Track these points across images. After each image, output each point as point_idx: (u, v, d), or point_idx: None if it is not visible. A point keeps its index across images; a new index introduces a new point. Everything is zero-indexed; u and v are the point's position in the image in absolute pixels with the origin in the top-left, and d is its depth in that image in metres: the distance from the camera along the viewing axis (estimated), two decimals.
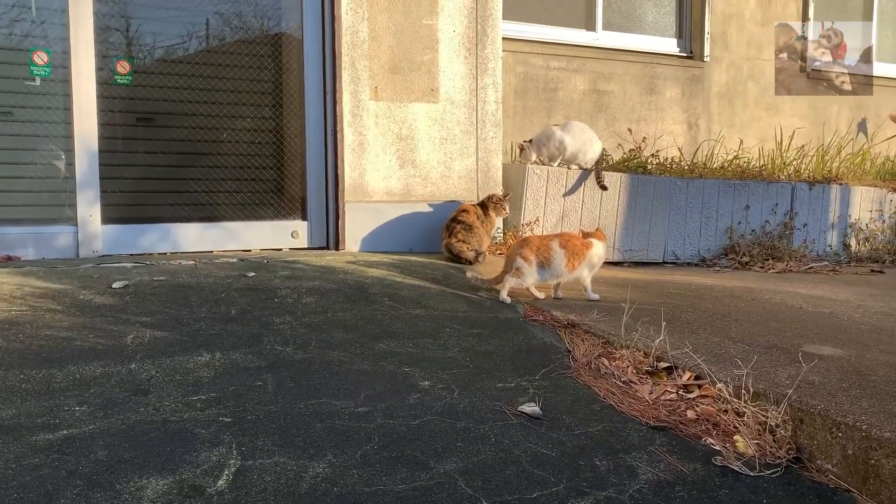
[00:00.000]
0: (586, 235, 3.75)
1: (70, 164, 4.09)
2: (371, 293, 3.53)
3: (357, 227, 4.63)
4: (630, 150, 5.84)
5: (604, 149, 5.15)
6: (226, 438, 2.05)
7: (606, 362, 2.77)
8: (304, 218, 4.67)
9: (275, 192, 4.70)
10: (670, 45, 6.78)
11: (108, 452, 1.94)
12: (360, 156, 4.61)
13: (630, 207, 5.24)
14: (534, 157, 5.07)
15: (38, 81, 4.04)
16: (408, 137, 4.74)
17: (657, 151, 5.83)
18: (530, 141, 5.11)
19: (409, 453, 2.04)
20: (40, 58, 4.01)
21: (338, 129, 4.52)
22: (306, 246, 4.66)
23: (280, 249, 4.58)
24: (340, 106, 4.52)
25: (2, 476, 1.79)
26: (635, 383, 2.61)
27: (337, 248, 4.59)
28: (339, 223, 4.58)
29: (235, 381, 2.44)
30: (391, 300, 3.45)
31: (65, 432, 2.04)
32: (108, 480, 1.80)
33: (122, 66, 4.23)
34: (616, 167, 5.50)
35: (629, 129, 6.13)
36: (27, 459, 1.88)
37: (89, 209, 4.09)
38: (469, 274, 3.88)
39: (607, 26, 6.44)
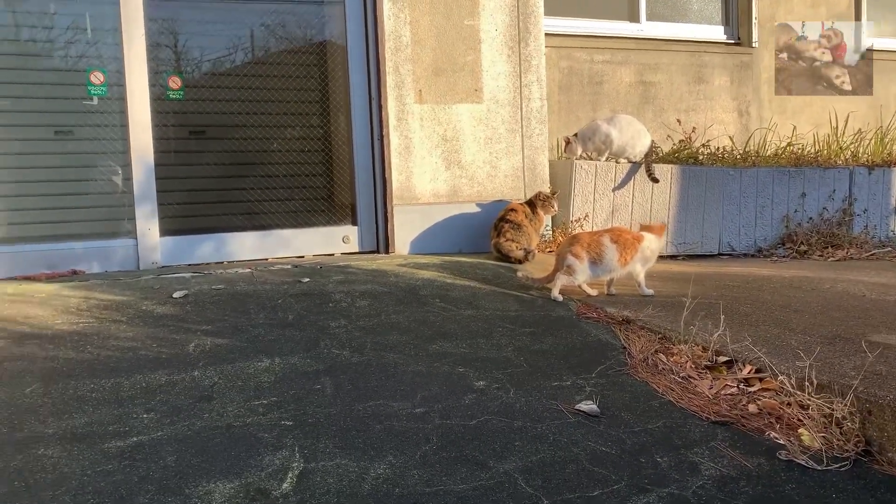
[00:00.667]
0: (644, 228, 3.72)
1: (128, 179, 4.22)
2: (422, 295, 3.55)
3: (406, 230, 4.66)
4: (680, 141, 5.75)
5: (652, 141, 5.08)
6: (288, 441, 2.09)
7: (664, 358, 2.74)
8: (354, 223, 4.73)
9: (325, 199, 4.77)
10: (717, 33, 6.65)
11: (176, 458, 2.00)
12: (407, 159, 4.64)
13: (682, 199, 5.16)
14: (579, 152, 5.03)
15: (95, 101, 4.18)
16: (453, 139, 4.75)
17: (708, 141, 5.72)
18: (575, 135, 5.08)
19: (467, 453, 2.05)
20: (97, 77, 4.15)
21: (384, 133, 4.56)
22: (357, 250, 4.72)
23: (332, 254, 4.65)
24: (386, 111, 4.56)
25: (79, 482, 1.86)
26: (694, 378, 2.57)
27: (387, 252, 4.64)
28: (388, 226, 4.62)
29: (295, 385, 2.49)
30: (442, 301, 3.47)
31: (135, 439, 2.11)
32: (177, 485, 1.86)
33: (174, 82, 4.34)
34: (666, 159, 5.42)
35: (678, 120, 6.04)
36: (101, 466, 1.95)
37: (148, 222, 4.22)
38: (519, 273, 3.87)
39: (651, 17, 6.35)
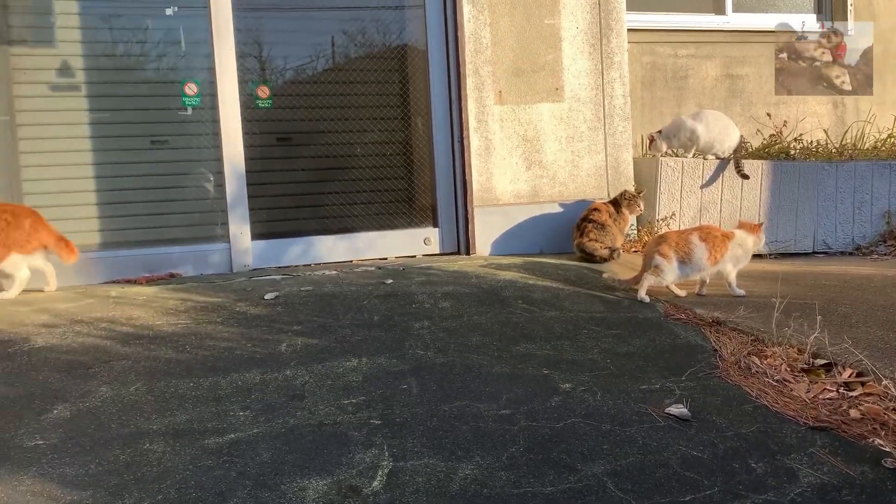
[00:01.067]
0: (742, 226, 3.62)
1: (220, 186, 4.39)
2: (504, 296, 3.55)
3: (486, 231, 4.67)
4: (770, 136, 5.55)
5: (741, 136, 4.92)
6: (377, 440, 2.14)
7: (757, 360, 2.65)
8: (435, 225, 4.77)
9: (406, 202, 4.84)
10: (809, 22, 6.37)
11: (271, 455, 2.07)
12: (487, 160, 4.65)
13: (774, 196, 4.98)
14: (664, 149, 4.92)
15: (189, 111, 4.37)
16: (533, 139, 4.73)
17: (800, 135, 5.50)
18: (659, 132, 4.97)
19: (555, 455, 2.04)
20: (190, 89, 4.34)
21: (464, 135, 4.59)
22: (438, 252, 4.76)
23: (414, 256, 4.70)
24: (466, 113, 4.58)
25: (182, 476, 1.96)
26: (790, 382, 2.48)
27: (468, 253, 4.66)
28: (469, 228, 4.64)
29: (382, 385, 2.54)
30: (525, 302, 3.46)
31: (232, 436, 2.19)
32: (273, 482, 1.93)
33: (262, 91, 4.49)
34: (756, 154, 5.24)
35: (768, 114, 5.82)
36: (201, 461, 2.04)
37: (240, 227, 4.38)
38: (605, 274, 3.82)
39: (738, 7, 6.16)
